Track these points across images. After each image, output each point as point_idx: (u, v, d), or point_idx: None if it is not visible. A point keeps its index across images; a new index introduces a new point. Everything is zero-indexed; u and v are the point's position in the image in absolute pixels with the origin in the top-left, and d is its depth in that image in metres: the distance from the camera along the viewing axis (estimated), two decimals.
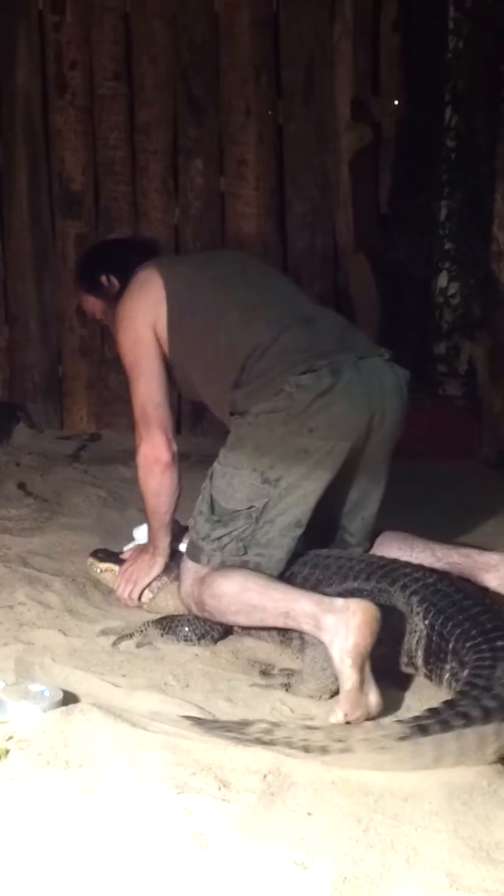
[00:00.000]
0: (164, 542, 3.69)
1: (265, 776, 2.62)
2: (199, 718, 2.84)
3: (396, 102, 6.00)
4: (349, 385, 3.31)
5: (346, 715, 2.87)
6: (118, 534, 4.57)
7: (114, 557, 3.87)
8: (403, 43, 5.94)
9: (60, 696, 2.95)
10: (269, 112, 6.10)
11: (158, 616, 3.58)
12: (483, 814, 2.51)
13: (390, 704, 2.99)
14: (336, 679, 3.02)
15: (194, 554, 3.43)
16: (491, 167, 5.77)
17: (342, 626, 2.94)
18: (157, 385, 3.57)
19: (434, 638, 3.08)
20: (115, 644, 3.44)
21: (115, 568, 3.81)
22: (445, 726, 2.62)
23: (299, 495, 3.33)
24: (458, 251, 5.81)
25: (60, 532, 4.55)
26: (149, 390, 3.57)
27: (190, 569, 3.43)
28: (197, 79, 6.12)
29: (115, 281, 3.79)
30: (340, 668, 2.93)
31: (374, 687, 2.93)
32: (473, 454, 5.74)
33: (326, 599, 3.08)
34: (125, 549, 3.91)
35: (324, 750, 2.62)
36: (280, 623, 3.17)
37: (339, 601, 3.03)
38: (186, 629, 3.45)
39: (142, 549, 3.77)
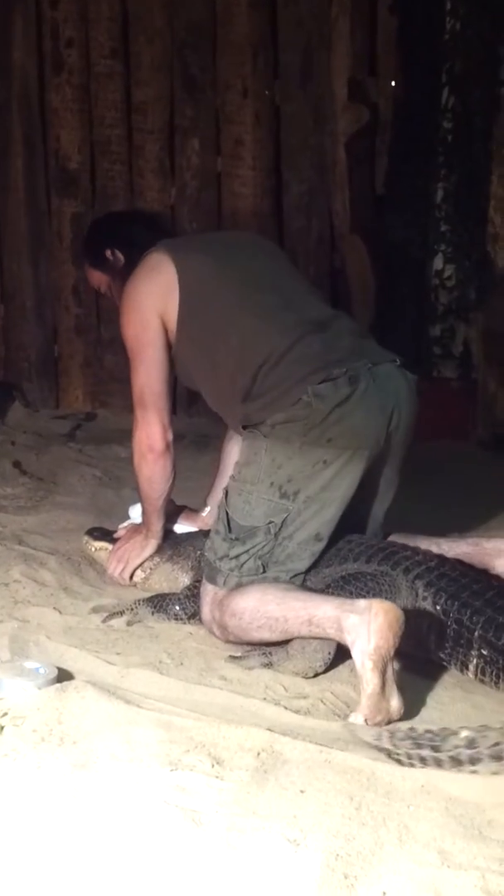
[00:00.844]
0: (156, 525, 3.70)
1: (258, 753, 2.63)
2: (404, 730, 2.70)
3: (393, 84, 5.99)
4: (366, 393, 3.27)
5: (366, 719, 2.83)
6: (113, 513, 4.58)
7: (109, 536, 3.89)
8: (400, 24, 5.92)
9: (55, 673, 2.96)
10: (266, 92, 6.10)
11: (150, 594, 3.60)
12: (475, 792, 2.52)
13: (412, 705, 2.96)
14: (323, 660, 3.03)
15: (211, 576, 3.34)
16: (487, 149, 5.78)
17: (364, 627, 2.87)
18: (157, 373, 3.52)
19: (451, 624, 3.06)
20: (105, 621, 3.45)
21: (110, 547, 3.82)
22: None
23: (318, 508, 3.26)
24: (455, 233, 5.81)
25: (55, 511, 4.56)
26: (149, 378, 3.53)
27: (208, 593, 3.33)
28: (194, 58, 6.10)
29: (120, 256, 3.73)
30: (361, 671, 2.86)
31: (396, 690, 2.87)
32: (468, 436, 5.75)
33: (348, 601, 3.02)
34: (120, 527, 3.92)
35: None
36: (305, 632, 3.08)
37: (362, 602, 2.96)
38: (177, 607, 3.46)
39: (135, 529, 3.78)
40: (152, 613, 3.47)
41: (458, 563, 3.27)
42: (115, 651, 3.24)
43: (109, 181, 6.23)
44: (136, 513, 3.89)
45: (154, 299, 3.49)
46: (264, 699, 2.97)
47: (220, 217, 6.22)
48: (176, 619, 3.45)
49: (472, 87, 5.71)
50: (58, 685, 2.90)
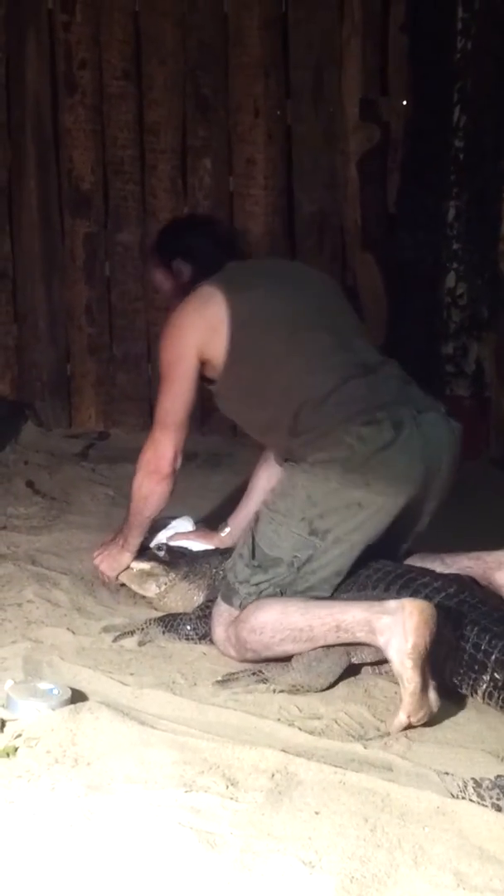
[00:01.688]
0: (135, 541, 3.75)
1: (273, 775, 2.63)
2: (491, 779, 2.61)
3: (405, 103, 5.99)
4: (409, 440, 3.27)
5: (408, 716, 2.87)
6: None
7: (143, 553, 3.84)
8: (412, 43, 5.92)
9: (69, 694, 2.96)
10: (278, 112, 6.11)
11: (161, 614, 3.60)
12: (490, 813, 2.51)
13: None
14: (328, 681, 3.04)
15: (228, 596, 3.35)
16: (498, 168, 5.77)
17: (399, 626, 2.91)
18: (183, 403, 3.54)
19: (468, 649, 3.04)
20: (116, 640, 3.47)
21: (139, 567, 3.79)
22: None
23: (345, 548, 3.26)
24: (466, 251, 5.81)
25: (68, 530, 4.56)
26: (174, 404, 3.55)
27: (223, 613, 3.35)
28: (206, 78, 6.12)
29: (186, 271, 3.69)
30: (401, 669, 2.89)
31: (432, 686, 2.92)
32: (481, 455, 5.73)
33: (376, 603, 3.04)
34: (159, 536, 3.91)
35: None
36: (332, 640, 3.09)
37: (392, 602, 2.98)
38: (188, 627, 3.46)
39: (114, 538, 3.82)
40: (163, 633, 3.47)
41: (476, 587, 3.25)
42: (128, 672, 3.24)
43: (122, 201, 6.25)
44: (178, 524, 3.97)
45: (197, 335, 3.50)
46: (278, 720, 2.97)
47: None
48: (187, 640, 3.46)
49: (484, 105, 5.71)
50: (71, 706, 2.90)
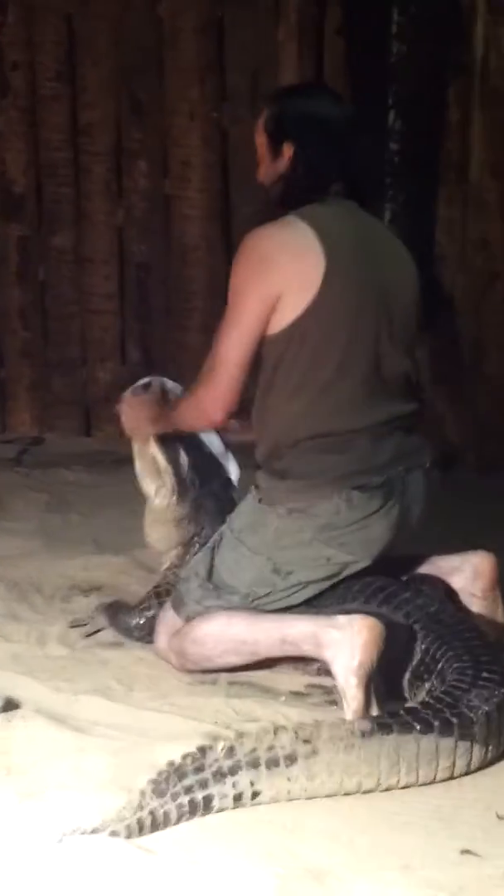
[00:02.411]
0: (169, 428, 3.45)
1: None
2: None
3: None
4: (391, 509, 3.15)
5: None
6: (61, 538, 4.54)
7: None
8: (348, 47, 5.94)
9: (1, 702, 2.91)
10: (214, 115, 6.09)
11: (110, 600, 3.60)
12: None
13: None
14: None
15: (176, 606, 3.26)
16: (434, 171, 5.80)
17: (346, 643, 2.85)
18: (243, 350, 3.09)
19: (426, 660, 2.98)
20: (72, 625, 3.51)
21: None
22: (405, 727, 2.59)
23: (305, 590, 3.16)
24: None
25: (2, 536, 4.50)
26: (229, 351, 3.10)
27: (168, 621, 3.26)
28: (141, 81, 6.09)
29: (289, 157, 3.18)
30: (345, 687, 2.84)
31: (377, 706, 2.86)
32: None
33: (324, 617, 2.98)
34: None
35: (290, 758, 2.51)
36: (276, 652, 3.04)
37: (341, 617, 2.92)
38: (132, 622, 3.44)
39: (169, 401, 3.53)
40: (109, 624, 3.47)
41: (458, 610, 3.19)
42: (63, 678, 3.19)
43: (56, 204, 6.19)
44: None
45: (284, 276, 3.04)
46: (215, 723, 2.94)
47: (168, 239, 6.20)
48: (126, 635, 3.43)
49: (418, 109, 5.74)
50: (4, 714, 2.85)
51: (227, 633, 3.10)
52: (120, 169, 6.15)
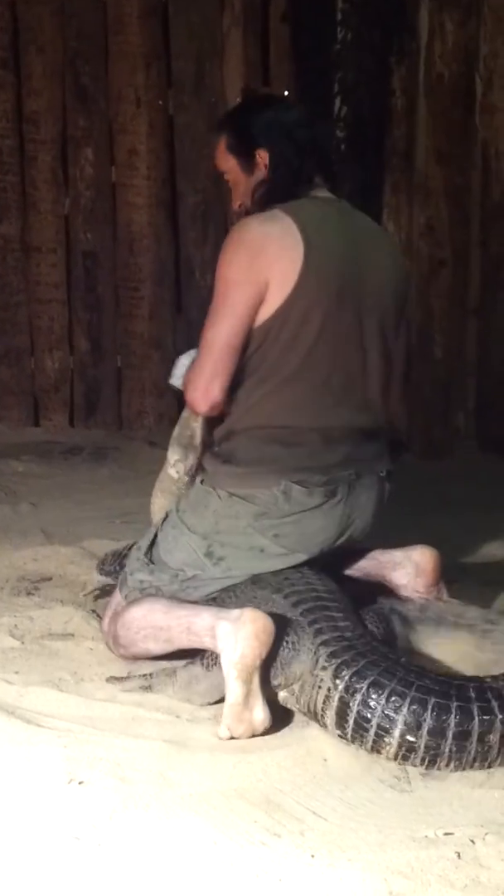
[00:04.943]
0: None
1: (161, 766, 2.61)
2: None
3: (287, 93, 6.01)
4: (333, 509, 3.13)
5: (229, 730, 2.77)
6: (10, 528, 4.52)
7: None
8: (293, 34, 5.95)
9: None
10: (160, 102, 6.08)
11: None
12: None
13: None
14: (203, 702, 2.94)
15: (120, 585, 3.27)
16: (380, 158, 5.83)
17: (232, 635, 2.82)
18: (227, 342, 3.05)
19: (356, 707, 2.72)
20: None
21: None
22: None
23: (232, 577, 3.14)
24: None
25: None
26: (214, 340, 3.06)
27: (112, 603, 3.27)
28: (86, 68, 6.07)
29: (265, 163, 3.18)
30: (226, 679, 2.81)
31: (261, 701, 2.79)
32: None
33: (225, 609, 2.96)
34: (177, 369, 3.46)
35: None
36: (184, 641, 3.01)
37: (236, 611, 2.89)
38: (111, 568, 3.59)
39: None
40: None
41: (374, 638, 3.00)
42: (13, 670, 3.17)
43: (1, 192, 6.16)
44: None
45: (271, 265, 3.03)
46: (167, 712, 2.94)
47: (115, 227, 6.18)
48: (101, 573, 3.62)
49: (364, 96, 5.76)
50: None
51: (148, 618, 3.09)
52: (66, 157, 6.13)
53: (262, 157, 3.19)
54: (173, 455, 3.40)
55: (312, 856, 2.29)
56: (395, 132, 5.84)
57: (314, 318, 3.07)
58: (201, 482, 3.21)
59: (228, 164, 3.26)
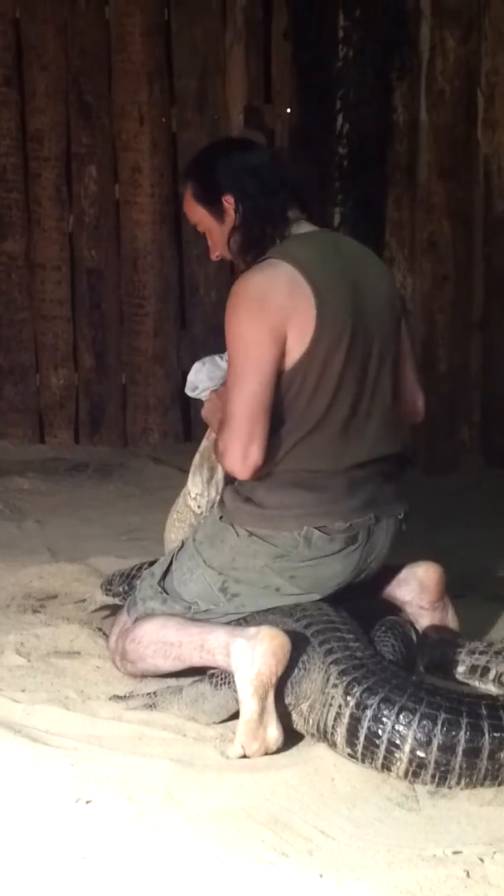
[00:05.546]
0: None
1: (167, 785, 2.61)
2: None
3: (289, 110, 6.03)
4: (351, 555, 3.10)
5: (243, 748, 2.77)
6: (15, 546, 4.53)
7: None
8: (295, 51, 5.97)
9: None
10: (163, 119, 6.09)
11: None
12: None
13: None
14: (212, 720, 2.94)
15: (128, 606, 3.26)
16: (382, 173, 5.84)
17: (248, 652, 2.82)
18: (257, 404, 2.98)
19: (367, 723, 2.72)
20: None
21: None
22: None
23: (241, 615, 3.13)
24: None
25: None
26: (244, 408, 2.98)
27: (119, 622, 3.27)
28: (89, 85, 6.09)
29: (233, 208, 3.12)
30: (242, 696, 2.81)
31: (275, 720, 2.80)
32: None
33: (240, 628, 2.96)
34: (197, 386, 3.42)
35: None
36: (196, 659, 3.01)
37: (252, 629, 2.89)
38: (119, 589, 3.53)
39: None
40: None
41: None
42: (19, 688, 3.18)
43: (6, 210, 6.16)
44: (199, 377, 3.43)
45: (282, 313, 2.97)
46: (174, 731, 2.94)
47: (119, 244, 6.20)
48: (108, 593, 3.56)
49: (366, 112, 5.77)
50: None
51: (160, 633, 3.10)
52: (70, 174, 6.14)
53: (230, 202, 3.12)
54: (194, 488, 3.37)
55: (321, 875, 2.28)
56: (398, 148, 5.85)
57: (335, 362, 3.02)
58: (220, 518, 3.19)
59: (197, 214, 3.21)
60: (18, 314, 6.22)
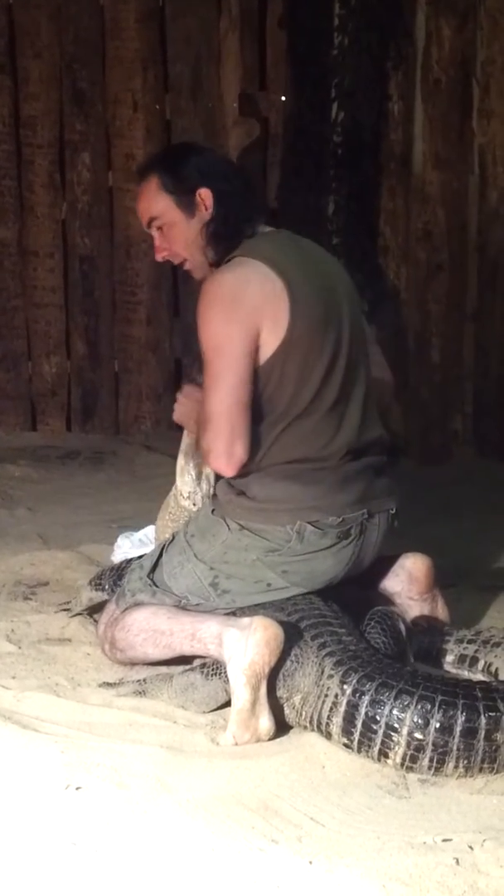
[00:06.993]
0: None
1: (156, 771, 2.60)
2: None
3: (284, 98, 6.01)
4: (343, 549, 3.11)
5: (234, 738, 2.78)
6: (7, 533, 4.52)
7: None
8: (290, 39, 5.95)
9: None
10: (157, 106, 6.08)
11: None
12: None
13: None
14: (196, 706, 2.94)
15: (117, 597, 3.25)
16: (376, 163, 5.83)
17: (241, 641, 2.82)
18: (236, 401, 3.00)
19: (364, 709, 2.72)
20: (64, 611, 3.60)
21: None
22: None
23: (233, 607, 3.11)
24: (346, 246, 5.85)
25: None
26: (222, 405, 3.00)
27: (109, 610, 3.26)
28: (83, 72, 6.07)
29: (208, 205, 3.12)
30: (234, 685, 2.81)
31: (267, 710, 2.80)
32: None
33: (233, 618, 2.96)
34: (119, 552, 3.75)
35: None
36: (187, 648, 3.01)
37: (245, 619, 2.89)
38: (104, 583, 3.49)
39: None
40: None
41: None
42: (9, 675, 3.17)
43: None
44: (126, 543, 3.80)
45: (254, 310, 2.99)
46: (164, 718, 2.94)
47: (112, 232, 6.18)
48: (97, 588, 3.51)
49: (361, 101, 5.76)
50: None
51: (151, 622, 3.09)
52: (63, 161, 6.12)
53: (204, 196, 3.12)
54: (185, 487, 3.38)
55: (310, 862, 2.28)
56: (392, 137, 5.84)
57: (316, 349, 3.05)
58: (212, 511, 3.18)
59: (160, 205, 3.15)
60: (11, 301, 6.20)
